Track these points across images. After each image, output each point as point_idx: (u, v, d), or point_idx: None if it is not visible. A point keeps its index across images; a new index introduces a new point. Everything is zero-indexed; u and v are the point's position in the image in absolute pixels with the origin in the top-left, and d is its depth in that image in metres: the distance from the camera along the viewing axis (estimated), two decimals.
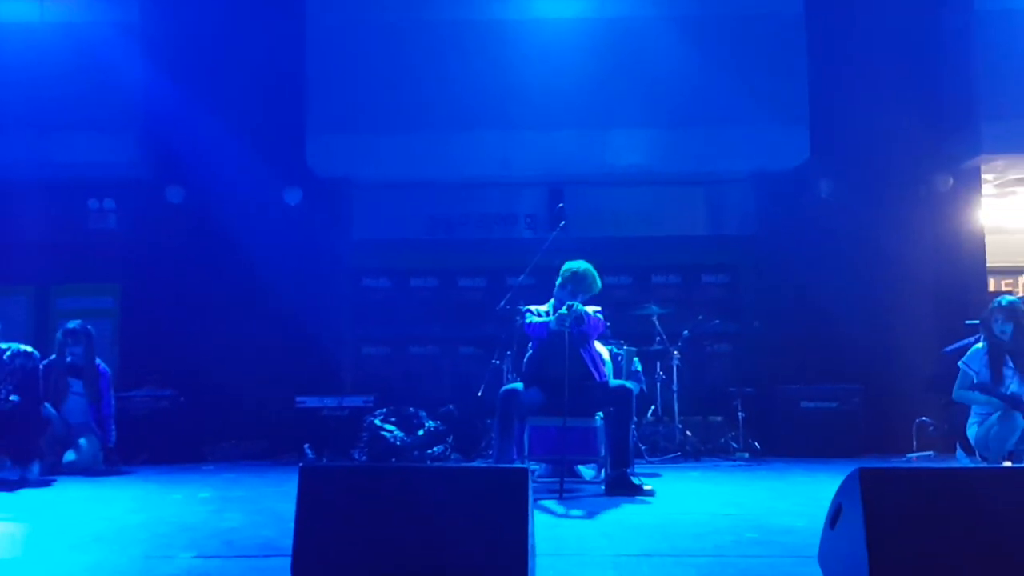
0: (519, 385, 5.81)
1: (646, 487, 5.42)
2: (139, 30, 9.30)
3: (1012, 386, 5.85)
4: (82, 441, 6.95)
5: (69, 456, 6.85)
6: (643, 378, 7.65)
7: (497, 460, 5.53)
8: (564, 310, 5.62)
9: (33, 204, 9.35)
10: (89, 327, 7.27)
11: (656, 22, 9.20)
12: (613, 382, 5.89)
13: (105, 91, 9.02)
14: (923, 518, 2.48)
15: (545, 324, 5.75)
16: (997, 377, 5.88)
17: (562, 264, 6.09)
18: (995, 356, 5.92)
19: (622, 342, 7.46)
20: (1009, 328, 5.91)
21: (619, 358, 7.30)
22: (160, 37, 9.36)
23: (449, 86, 9.24)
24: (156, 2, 9.42)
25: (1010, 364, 5.90)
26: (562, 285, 5.90)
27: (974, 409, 5.98)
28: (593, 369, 5.82)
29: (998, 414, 5.71)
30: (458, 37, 9.29)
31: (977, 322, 6.42)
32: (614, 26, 9.30)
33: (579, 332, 5.69)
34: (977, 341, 6.14)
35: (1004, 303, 6.04)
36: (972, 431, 5.94)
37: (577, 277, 5.86)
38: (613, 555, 3.50)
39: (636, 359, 7.66)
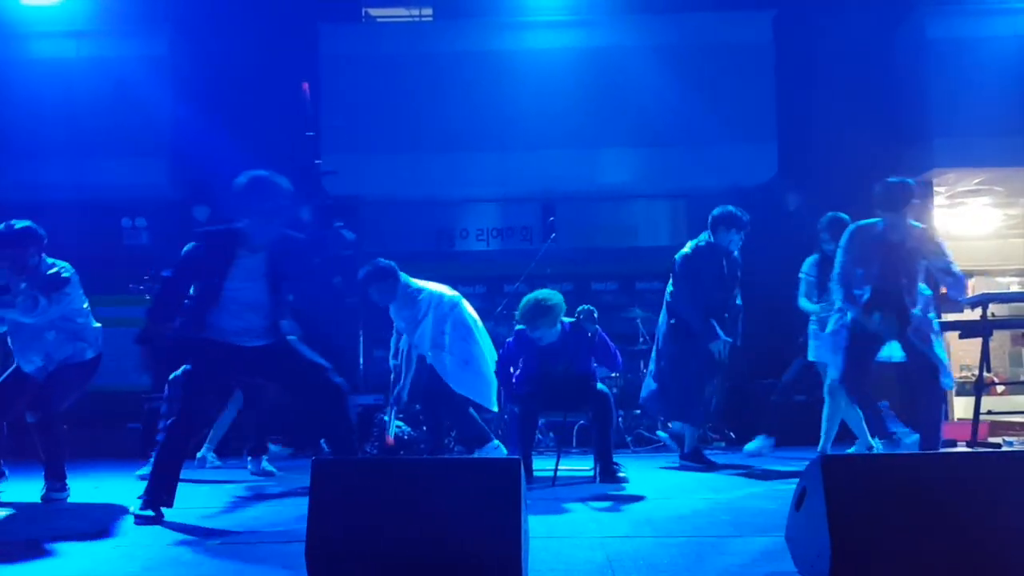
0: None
1: (620, 474, 5.42)
2: (168, 63, 9.34)
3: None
4: None
5: None
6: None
7: (522, 452, 5.46)
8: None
9: (72, 222, 9.33)
10: None
11: (639, 51, 9.24)
12: (599, 386, 5.76)
13: (137, 119, 9.05)
14: (879, 499, 2.49)
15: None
16: (824, 284, 5.91)
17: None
18: (823, 267, 5.99)
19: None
20: (831, 244, 5.88)
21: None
22: (187, 69, 9.41)
23: (450, 111, 9.27)
24: (183, 37, 9.47)
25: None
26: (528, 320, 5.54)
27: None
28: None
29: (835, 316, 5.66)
30: (458, 66, 9.33)
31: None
32: (601, 55, 9.35)
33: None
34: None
35: (826, 220, 6.16)
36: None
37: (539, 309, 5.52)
38: (600, 537, 3.51)
39: None
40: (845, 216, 6.04)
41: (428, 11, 10.33)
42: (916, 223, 5.25)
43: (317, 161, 5.50)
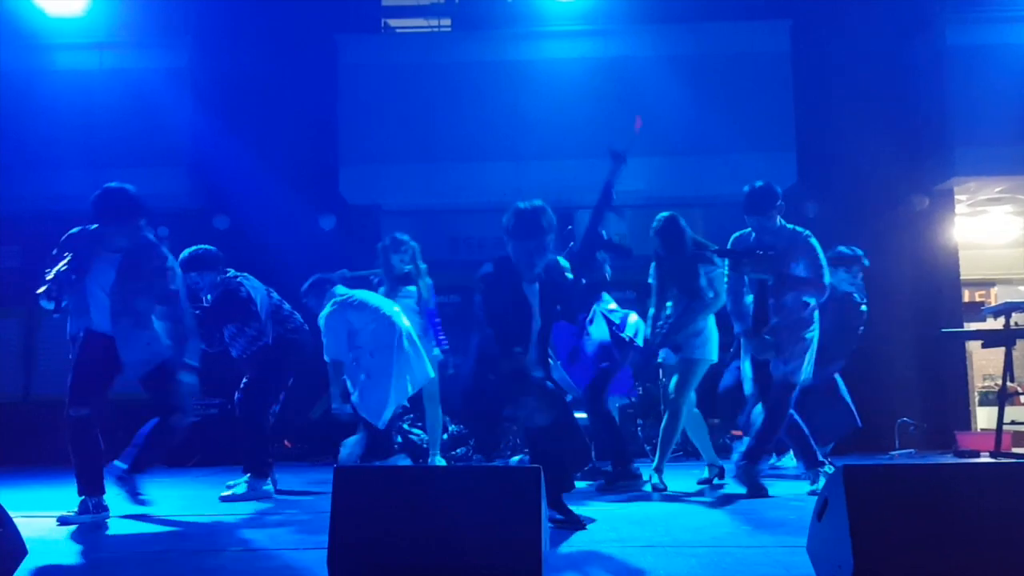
0: None
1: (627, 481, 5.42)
2: (188, 75, 9.44)
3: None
4: None
5: None
6: None
7: None
8: None
9: None
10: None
11: (655, 61, 9.24)
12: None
13: (158, 130, 9.14)
14: (901, 510, 2.48)
15: None
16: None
17: None
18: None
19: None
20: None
21: None
22: (207, 81, 9.50)
23: (467, 121, 9.30)
24: (203, 50, 9.56)
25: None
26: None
27: None
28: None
29: None
30: (474, 77, 9.37)
31: (955, 330, 6.37)
32: (617, 65, 9.35)
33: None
34: None
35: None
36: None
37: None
38: (619, 546, 3.50)
39: None
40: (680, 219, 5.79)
41: (446, 22, 10.38)
42: (792, 226, 5.19)
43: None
